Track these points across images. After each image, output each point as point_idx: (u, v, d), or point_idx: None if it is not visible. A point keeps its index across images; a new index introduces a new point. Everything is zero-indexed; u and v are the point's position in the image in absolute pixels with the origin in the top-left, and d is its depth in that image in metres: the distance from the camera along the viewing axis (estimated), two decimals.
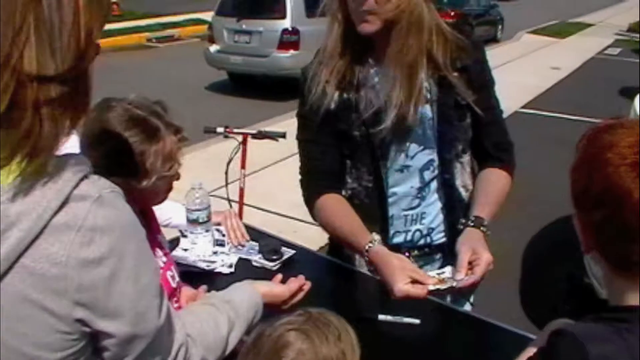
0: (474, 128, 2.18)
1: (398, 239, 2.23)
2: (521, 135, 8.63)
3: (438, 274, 1.94)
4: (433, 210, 2.23)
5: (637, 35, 21.80)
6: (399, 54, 2.01)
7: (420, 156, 2.16)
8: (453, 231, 2.17)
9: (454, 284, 1.87)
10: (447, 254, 2.21)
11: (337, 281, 2.27)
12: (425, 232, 2.25)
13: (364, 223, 2.08)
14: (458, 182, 2.21)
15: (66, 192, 1.00)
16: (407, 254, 2.18)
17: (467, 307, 2.30)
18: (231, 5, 11.90)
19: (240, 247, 2.38)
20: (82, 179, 1.03)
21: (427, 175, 2.18)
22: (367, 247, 1.99)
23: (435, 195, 2.22)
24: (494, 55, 16.19)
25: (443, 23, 2.10)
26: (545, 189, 6.25)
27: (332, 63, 2.10)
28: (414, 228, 2.24)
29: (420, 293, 1.85)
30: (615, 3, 37.86)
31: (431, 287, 1.86)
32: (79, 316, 1.03)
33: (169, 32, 18.95)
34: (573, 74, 14.78)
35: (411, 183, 2.19)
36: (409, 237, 2.24)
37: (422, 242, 2.25)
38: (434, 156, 2.16)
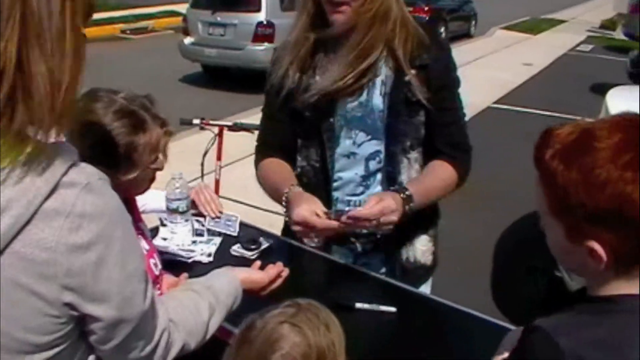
0: (429, 127, 2.20)
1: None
2: (493, 131, 8.84)
3: None
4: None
5: (609, 32, 22.06)
6: (359, 44, 2.07)
7: (366, 145, 2.20)
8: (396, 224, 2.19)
9: (346, 208, 1.98)
10: (392, 244, 2.27)
11: (314, 270, 2.30)
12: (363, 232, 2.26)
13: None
14: (403, 177, 2.22)
15: (56, 179, 1.02)
16: (352, 239, 2.27)
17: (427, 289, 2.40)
18: None
19: (217, 220, 2.41)
20: (70, 167, 1.05)
21: (373, 165, 2.23)
22: (287, 190, 2.09)
23: (379, 187, 2.25)
24: (467, 50, 16.43)
25: (410, 17, 2.15)
26: (516, 184, 6.31)
27: (296, 49, 2.18)
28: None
29: (315, 220, 1.96)
30: (587, 0, 38.21)
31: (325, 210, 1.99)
32: (68, 300, 1.06)
33: (142, 23, 18.79)
34: (545, 70, 14.92)
35: (356, 170, 2.24)
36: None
37: (365, 231, 2.25)
38: (381, 148, 2.20)
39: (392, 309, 2.00)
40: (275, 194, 2.22)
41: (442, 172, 2.23)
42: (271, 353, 1.30)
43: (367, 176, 2.24)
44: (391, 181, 2.21)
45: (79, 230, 1.03)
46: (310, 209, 1.98)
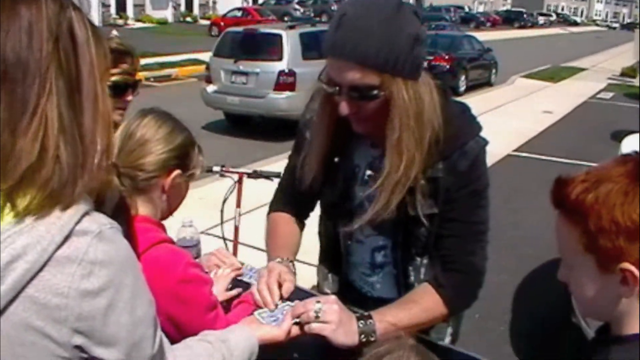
0: (434, 236, 1.97)
1: (353, 278, 2.22)
2: (513, 178, 8.83)
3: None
4: (385, 288, 2.16)
5: (630, 79, 22.06)
6: (396, 156, 1.80)
7: (373, 238, 2.09)
8: None
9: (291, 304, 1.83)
10: None
11: None
12: (376, 296, 2.17)
13: (323, 258, 2.18)
14: (412, 279, 2.07)
15: (69, 227, 1.06)
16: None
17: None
18: (229, 47, 12.04)
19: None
20: (84, 215, 1.09)
21: (379, 257, 2.12)
22: (272, 258, 2.04)
23: (387, 278, 2.14)
24: (487, 98, 16.47)
25: (437, 113, 1.82)
26: (537, 230, 6.32)
27: (322, 139, 2.00)
28: (366, 288, 2.21)
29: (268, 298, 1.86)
30: (608, 48, 38.31)
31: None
32: (78, 343, 1.08)
33: (166, 71, 19.08)
34: (565, 118, 14.94)
35: (363, 256, 2.15)
36: (364, 289, 2.21)
37: (373, 301, 2.15)
38: (388, 243, 2.08)
39: None
40: (268, 255, 2.16)
41: (425, 300, 1.95)
42: None
43: (374, 265, 2.14)
44: (398, 285, 2.11)
45: (90, 277, 1.06)
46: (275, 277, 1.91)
